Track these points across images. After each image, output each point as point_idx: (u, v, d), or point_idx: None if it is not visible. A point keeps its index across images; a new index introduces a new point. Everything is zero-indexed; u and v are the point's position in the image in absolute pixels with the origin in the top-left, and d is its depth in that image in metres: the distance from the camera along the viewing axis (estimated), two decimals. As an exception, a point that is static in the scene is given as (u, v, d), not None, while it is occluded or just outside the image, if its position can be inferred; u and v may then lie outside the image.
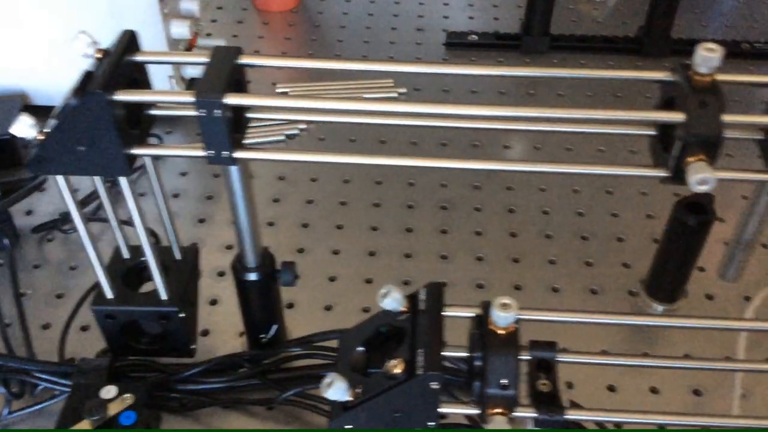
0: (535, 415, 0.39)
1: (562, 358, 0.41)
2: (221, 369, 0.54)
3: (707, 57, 0.39)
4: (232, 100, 0.40)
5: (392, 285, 0.41)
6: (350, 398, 0.39)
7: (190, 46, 0.81)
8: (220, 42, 0.82)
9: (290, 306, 0.61)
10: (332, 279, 0.64)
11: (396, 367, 0.38)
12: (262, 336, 0.55)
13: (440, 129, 0.66)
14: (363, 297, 0.62)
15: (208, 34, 0.92)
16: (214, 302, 0.61)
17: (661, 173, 0.41)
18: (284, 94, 0.82)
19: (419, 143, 0.78)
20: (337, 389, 0.39)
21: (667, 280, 0.60)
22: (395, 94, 0.83)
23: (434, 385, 0.38)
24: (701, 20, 0.96)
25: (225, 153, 0.41)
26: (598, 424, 0.51)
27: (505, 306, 0.38)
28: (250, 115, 0.43)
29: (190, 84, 0.82)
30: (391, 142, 0.78)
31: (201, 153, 0.42)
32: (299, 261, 0.60)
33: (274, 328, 0.55)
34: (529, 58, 0.90)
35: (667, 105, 0.41)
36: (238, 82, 0.42)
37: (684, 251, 0.58)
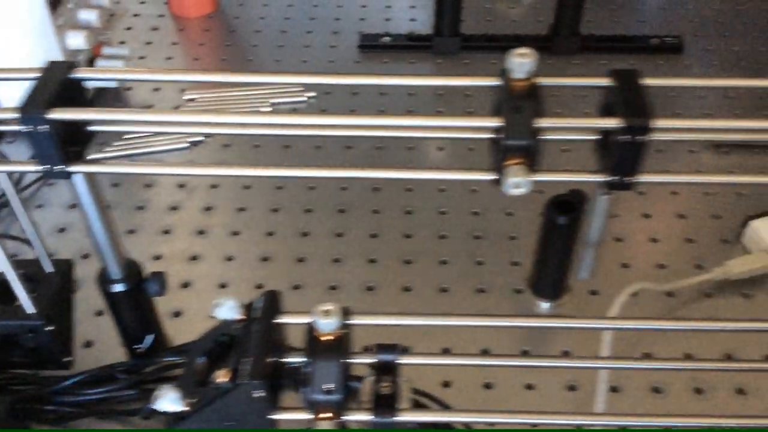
0: (367, 417, 0.40)
1: (404, 360, 0.42)
2: (97, 380, 0.55)
3: (520, 62, 0.39)
4: (57, 115, 0.40)
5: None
6: (186, 408, 0.40)
7: (93, 57, 0.81)
8: (124, 51, 0.82)
9: (177, 314, 0.62)
10: (222, 286, 0.65)
11: (222, 376, 0.39)
12: (137, 346, 0.55)
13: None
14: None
15: (122, 42, 0.92)
16: (99, 313, 0.61)
17: (491, 176, 0.41)
18: (192, 101, 0.82)
19: (323, 146, 0.78)
20: (166, 400, 0.39)
21: (548, 277, 0.61)
22: (304, 98, 0.83)
23: (258, 393, 0.38)
24: (616, 16, 0.97)
25: (58, 167, 0.41)
26: (466, 424, 0.52)
27: (326, 312, 0.38)
28: (94, 128, 0.44)
29: (96, 95, 0.82)
30: (296, 146, 0.78)
31: (36, 168, 0.42)
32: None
33: (149, 338, 0.55)
34: (441, 59, 0.90)
35: (495, 109, 0.42)
36: (72, 96, 0.42)
37: (557, 249, 0.58)
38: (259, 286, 0.64)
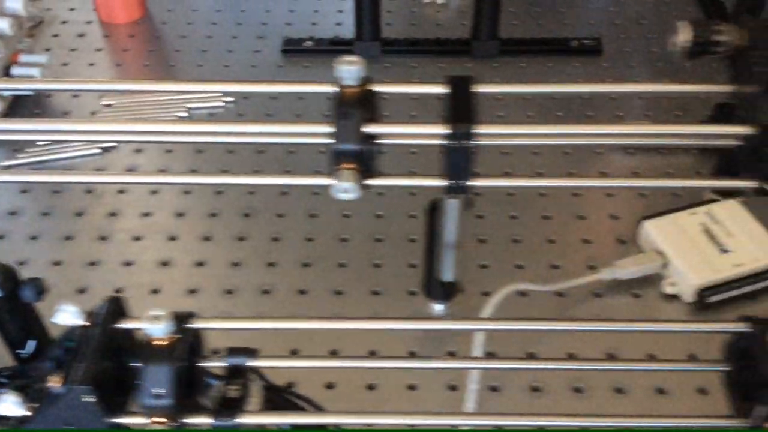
0: (206, 420, 0.40)
1: (256, 363, 0.43)
2: (-22, 386, 0.55)
3: (349, 69, 0.40)
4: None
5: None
6: (27, 413, 0.41)
7: (10, 64, 0.81)
8: (41, 59, 0.83)
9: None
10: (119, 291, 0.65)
11: (54, 381, 0.39)
12: (19, 352, 0.56)
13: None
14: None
15: (47, 50, 0.92)
16: (-9, 319, 0.62)
17: (327, 181, 0.42)
18: (109, 106, 0.83)
19: (236, 151, 0.79)
20: (7, 404, 0.40)
21: (436, 279, 0.62)
22: (222, 103, 0.84)
23: (88, 398, 0.39)
24: (538, 19, 0.98)
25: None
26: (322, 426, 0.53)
27: (155, 318, 0.39)
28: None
29: (14, 101, 0.83)
30: (208, 150, 0.79)
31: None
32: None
33: (32, 343, 0.56)
34: (362, 63, 0.91)
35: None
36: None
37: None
38: (156, 291, 0.65)
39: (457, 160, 0.40)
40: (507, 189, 0.73)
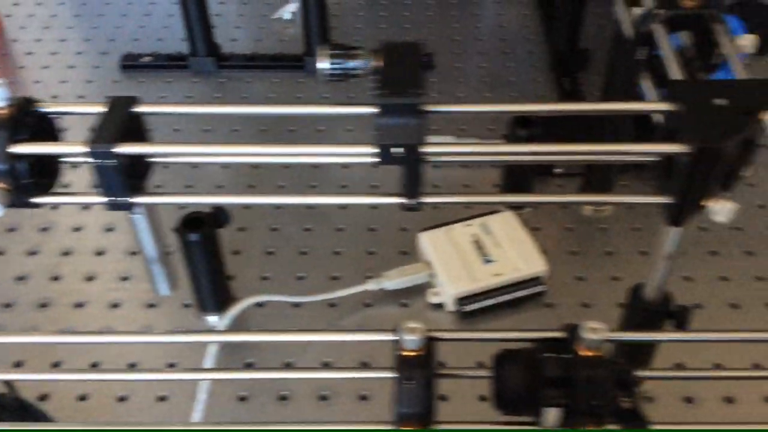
0: None
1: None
2: None
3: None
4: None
5: None
6: None
7: None
8: None
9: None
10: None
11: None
12: None
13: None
14: None
15: None
16: None
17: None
18: None
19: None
20: None
21: (203, 291, 0.63)
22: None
23: None
24: (379, 35, 1.00)
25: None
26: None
27: None
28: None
29: None
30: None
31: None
32: None
33: None
34: (198, 78, 0.93)
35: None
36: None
37: (198, 265, 0.61)
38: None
39: (109, 178, 0.42)
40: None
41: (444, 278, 0.65)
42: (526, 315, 0.65)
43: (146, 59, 0.94)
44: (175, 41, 0.98)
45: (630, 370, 0.45)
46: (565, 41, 0.89)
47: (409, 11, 1.03)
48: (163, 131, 0.85)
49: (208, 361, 0.55)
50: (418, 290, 0.67)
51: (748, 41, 0.49)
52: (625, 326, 0.55)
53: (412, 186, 0.42)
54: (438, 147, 0.43)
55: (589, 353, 0.41)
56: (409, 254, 0.70)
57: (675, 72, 0.44)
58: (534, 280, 0.65)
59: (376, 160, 0.40)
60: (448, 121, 0.82)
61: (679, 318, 0.53)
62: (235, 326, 0.63)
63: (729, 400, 0.59)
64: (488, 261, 0.66)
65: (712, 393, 0.59)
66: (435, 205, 0.43)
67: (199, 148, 0.44)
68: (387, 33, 1.00)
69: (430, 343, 0.43)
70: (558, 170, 0.77)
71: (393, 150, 0.40)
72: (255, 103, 0.89)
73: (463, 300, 0.64)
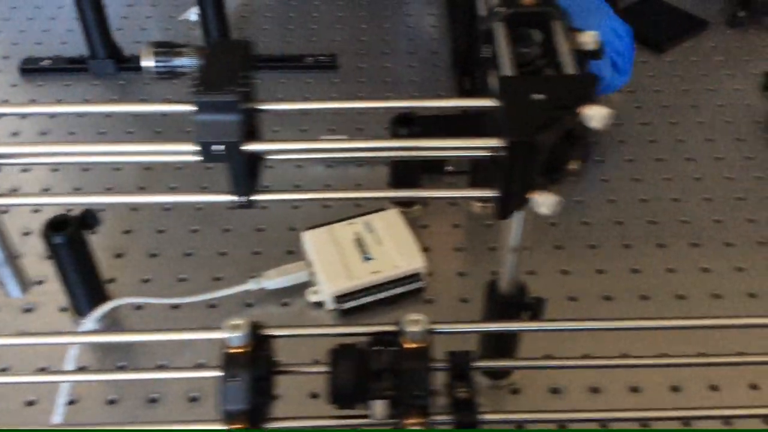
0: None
1: None
2: None
3: None
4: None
5: None
6: None
7: None
8: None
9: None
10: None
11: None
12: None
13: None
14: None
15: None
16: None
17: None
18: None
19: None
20: None
21: (76, 295, 0.63)
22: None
23: None
24: (286, 36, 1.00)
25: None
26: None
27: None
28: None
29: None
30: None
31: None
32: None
33: None
34: (98, 81, 0.92)
35: None
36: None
37: (65, 267, 0.60)
38: None
39: None
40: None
41: (323, 276, 0.65)
42: (403, 311, 0.65)
43: (46, 63, 0.93)
44: (79, 45, 0.97)
45: (468, 360, 0.46)
46: (465, 40, 0.90)
47: (317, 11, 1.04)
48: (58, 134, 0.86)
49: (69, 364, 0.55)
50: (300, 289, 0.67)
51: (589, 38, 0.49)
52: (484, 319, 0.56)
53: (241, 184, 0.42)
54: (268, 144, 0.43)
55: (413, 345, 0.42)
56: (295, 253, 0.70)
57: (506, 69, 0.45)
58: (412, 277, 0.66)
59: (199, 158, 0.40)
60: (332, 122, 0.83)
61: (534, 309, 0.53)
62: (109, 329, 0.62)
63: (595, 390, 0.60)
64: (368, 258, 0.66)
65: (579, 384, 0.60)
66: (265, 203, 0.43)
67: (18, 149, 0.44)
68: (295, 34, 1.00)
69: (259, 339, 0.43)
70: (449, 168, 0.78)
71: (214, 147, 0.40)
72: (108, 102, 0.88)
73: (341, 298, 0.64)
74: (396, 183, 0.74)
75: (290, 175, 0.79)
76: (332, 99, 0.87)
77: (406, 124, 0.69)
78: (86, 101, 0.89)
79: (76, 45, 0.97)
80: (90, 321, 0.59)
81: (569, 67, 0.44)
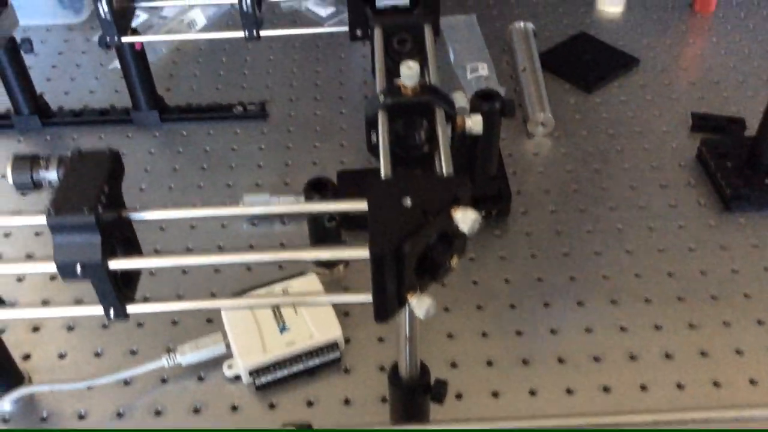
0: None
1: None
2: None
3: None
4: None
5: None
6: None
7: None
8: None
9: None
10: None
11: None
12: None
13: None
14: None
15: None
16: None
17: None
18: None
19: None
20: None
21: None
22: None
23: None
24: (217, 83, 0.99)
25: None
26: None
27: None
28: None
29: None
30: None
31: None
32: None
33: None
34: (23, 137, 0.90)
35: None
36: None
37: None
38: None
39: None
40: None
41: (237, 350, 0.64)
42: (321, 384, 0.65)
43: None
44: (4, 100, 0.96)
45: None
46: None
47: (250, 56, 1.03)
48: None
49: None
50: (220, 361, 0.66)
51: (474, 121, 0.49)
52: (391, 403, 0.55)
53: (110, 301, 0.41)
54: (138, 260, 0.42)
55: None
56: (214, 322, 0.69)
57: (385, 162, 0.44)
58: (329, 347, 0.65)
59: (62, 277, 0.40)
60: (258, 176, 0.82)
61: (437, 392, 0.53)
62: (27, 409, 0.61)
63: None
64: (284, 329, 0.65)
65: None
66: (142, 315, 0.43)
67: None
68: (225, 80, 0.99)
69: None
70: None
71: (76, 268, 0.39)
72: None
73: (256, 373, 0.64)
74: (316, 240, 0.74)
75: (214, 234, 0.78)
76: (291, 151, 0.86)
77: (319, 188, 0.68)
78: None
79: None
80: (4, 403, 0.57)
81: (446, 162, 0.44)
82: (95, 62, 1.02)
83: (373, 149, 0.50)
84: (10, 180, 0.41)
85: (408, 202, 0.40)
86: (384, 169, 0.43)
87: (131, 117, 0.91)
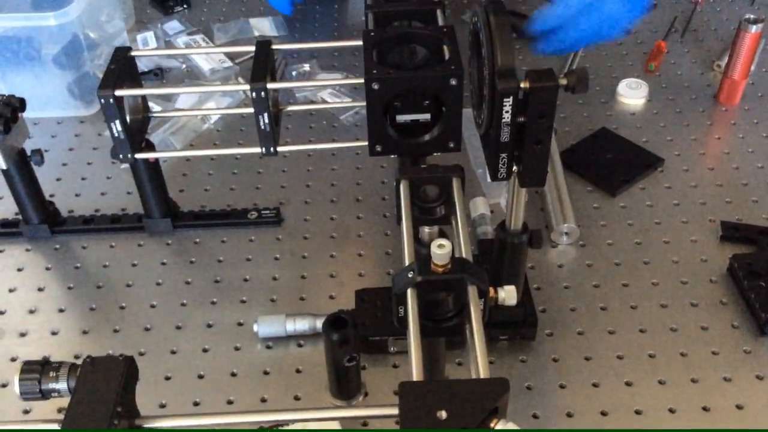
0: None
1: None
2: None
3: None
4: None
5: None
6: None
7: None
8: None
9: None
10: None
11: None
12: None
13: None
14: None
15: None
16: None
17: None
18: None
19: None
20: None
21: None
22: None
23: None
24: (231, 185, 0.96)
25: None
26: None
27: None
28: None
29: None
30: None
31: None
32: None
33: None
34: (31, 245, 0.88)
35: None
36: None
37: None
38: None
39: None
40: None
41: (252, 502, 0.61)
42: None
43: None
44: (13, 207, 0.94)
45: None
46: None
47: (263, 166, 0.99)
48: None
49: None
50: None
51: (507, 294, 0.46)
52: None
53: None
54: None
55: None
56: (227, 462, 0.66)
57: (416, 346, 0.42)
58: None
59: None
60: (273, 290, 0.80)
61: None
62: None
63: None
64: (301, 477, 0.62)
65: None
66: None
67: None
68: (239, 179, 0.97)
69: None
70: (393, 349, 0.74)
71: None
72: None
73: None
74: (335, 377, 0.70)
75: (228, 357, 0.75)
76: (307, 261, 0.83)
77: (337, 326, 0.66)
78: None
79: (8, 207, 0.93)
80: None
81: (482, 361, 0.41)
82: (107, 159, 0.99)
83: (401, 321, 0.47)
84: (16, 389, 0.38)
85: (443, 415, 0.37)
86: (416, 366, 0.40)
87: (143, 224, 0.89)
